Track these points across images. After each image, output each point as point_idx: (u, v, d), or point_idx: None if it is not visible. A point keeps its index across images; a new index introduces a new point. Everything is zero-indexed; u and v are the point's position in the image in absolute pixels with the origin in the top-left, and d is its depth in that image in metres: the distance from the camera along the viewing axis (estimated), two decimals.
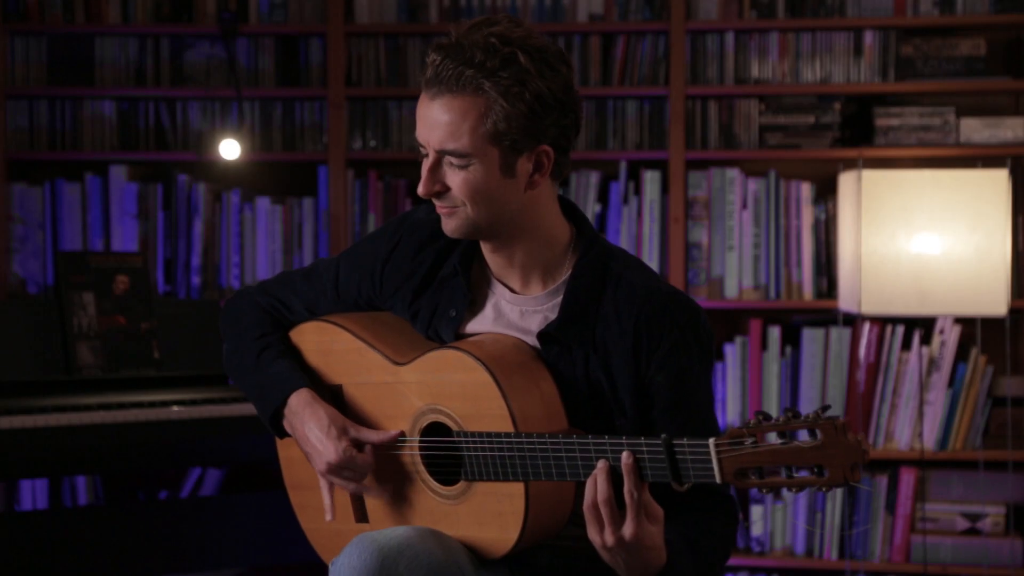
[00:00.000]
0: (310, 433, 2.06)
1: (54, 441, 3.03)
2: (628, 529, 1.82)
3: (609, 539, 1.84)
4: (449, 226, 2.00)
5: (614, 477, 1.84)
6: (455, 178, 1.96)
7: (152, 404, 3.21)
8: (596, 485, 1.84)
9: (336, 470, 2.04)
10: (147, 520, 3.37)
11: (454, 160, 1.95)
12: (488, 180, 1.95)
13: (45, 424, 3.02)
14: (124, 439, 3.12)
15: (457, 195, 1.96)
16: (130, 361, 3.37)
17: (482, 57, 1.91)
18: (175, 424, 3.18)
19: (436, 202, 2.00)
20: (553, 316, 2.02)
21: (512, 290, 2.06)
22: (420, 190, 1.98)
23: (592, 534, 1.86)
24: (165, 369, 3.40)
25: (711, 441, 1.75)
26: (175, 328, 3.46)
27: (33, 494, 4.07)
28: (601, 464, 1.84)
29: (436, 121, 1.94)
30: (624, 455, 1.82)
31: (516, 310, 2.05)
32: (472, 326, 2.07)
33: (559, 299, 2.02)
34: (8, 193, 4.21)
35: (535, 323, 2.03)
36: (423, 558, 1.88)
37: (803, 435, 1.71)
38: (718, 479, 1.75)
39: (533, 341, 2.02)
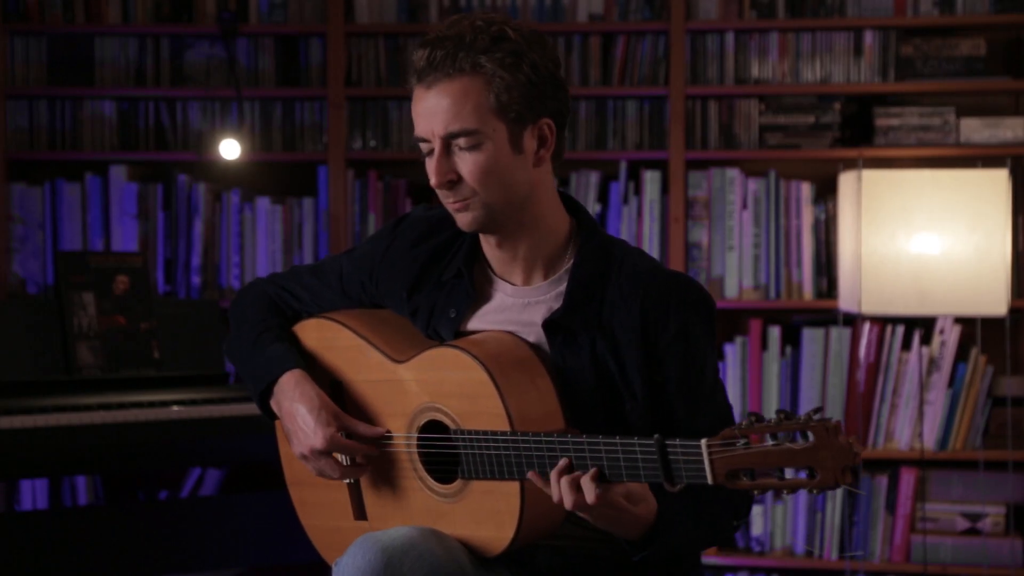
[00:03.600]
0: (297, 414, 2.06)
1: (54, 441, 3.03)
2: (609, 505, 1.83)
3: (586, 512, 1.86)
4: (465, 219, 1.99)
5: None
6: (466, 163, 1.95)
7: (152, 404, 3.21)
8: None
9: (318, 455, 2.04)
10: (147, 520, 3.37)
11: (462, 142, 1.94)
12: (499, 157, 1.95)
13: (45, 424, 3.02)
14: (124, 439, 3.12)
15: (469, 181, 1.95)
16: (130, 361, 3.37)
17: (472, 37, 1.93)
18: (175, 424, 3.18)
19: (448, 195, 1.98)
20: (557, 305, 2.02)
21: (513, 285, 2.06)
22: (433, 181, 1.97)
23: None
24: (165, 369, 3.40)
25: (703, 442, 1.74)
26: (175, 328, 3.46)
27: (33, 494, 4.07)
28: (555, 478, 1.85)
29: (437, 107, 1.94)
30: (562, 461, 1.83)
31: (519, 303, 2.05)
32: (474, 323, 2.07)
33: (562, 288, 2.03)
34: (8, 193, 4.21)
35: (539, 314, 2.03)
36: (427, 558, 1.88)
37: (796, 437, 1.71)
38: (710, 480, 1.75)
39: (537, 332, 2.02)
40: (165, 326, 3.44)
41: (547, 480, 1.86)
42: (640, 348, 1.98)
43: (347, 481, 2.12)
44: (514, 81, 1.93)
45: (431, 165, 1.97)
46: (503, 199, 1.97)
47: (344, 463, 2.07)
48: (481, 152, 1.94)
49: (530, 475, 1.87)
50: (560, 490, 1.84)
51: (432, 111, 1.95)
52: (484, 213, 1.98)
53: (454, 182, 1.96)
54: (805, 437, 1.69)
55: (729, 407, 2.05)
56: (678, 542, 1.92)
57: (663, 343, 1.98)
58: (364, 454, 2.06)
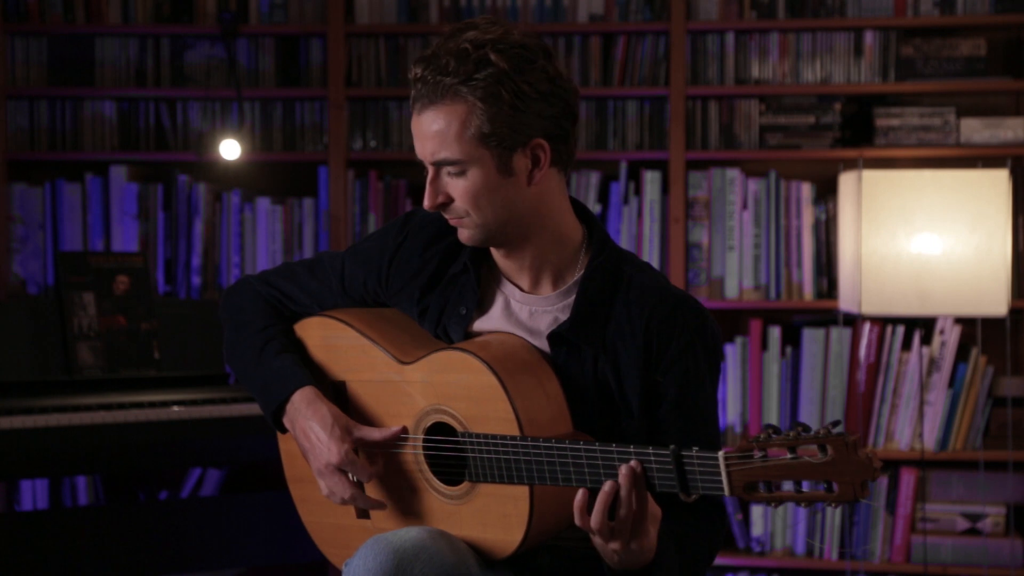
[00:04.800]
0: (311, 431, 2.06)
1: (54, 441, 3.03)
2: (636, 543, 1.83)
3: (615, 546, 1.85)
4: (463, 236, 2.02)
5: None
6: (455, 187, 1.97)
7: (152, 404, 3.21)
8: (603, 513, 1.83)
9: (335, 471, 2.04)
10: (147, 520, 3.37)
11: (451, 169, 1.96)
12: (487, 183, 1.96)
13: (45, 424, 3.02)
14: (124, 439, 3.12)
15: (460, 204, 1.98)
16: (130, 361, 3.37)
17: (455, 64, 1.92)
18: (175, 424, 3.17)
19: (444, 215, 2.02)
20: (563, 317, 2.02)
21: (522, 289, 2.06)
22: (425, 203, 2.00)
23: (596, 543, 1.87)
24: (165, 369, 3.40)
25: (720, 454, 1.75)
26: (175, 328, 3.46)
27: (33, 494, 4.07)
28: (606, 489, 1.83)
29: (426, 133, 1.96)
30: (633, 463, 1.82)
31: (526, 309, 2.05)
32: (481, 324, 2.07)
33: (570, 300, 2.03)
34: (8, 193, 4.21)
35: (545, 323, 2.04)
36: (437, 560, 1.88)
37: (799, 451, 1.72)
38: (727, 492, 1.75)
39: (542, 341, 2.03)
40: (165, 326, 3.44)
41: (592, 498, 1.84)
42: (641, 367, 1.98)
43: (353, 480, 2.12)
44: (496, 111, 1.92)
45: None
46: (497, 219, 1.98)
47: (353, 479, 2.06)
48: (466, 179, 1.96)
49: (580, 492, 1.85)
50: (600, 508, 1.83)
51: (423, 137, 1.97)
52: (478, 231, 2.00)
53: (445, 204, 1.99)
54: (823, 451, 1.69)
55: (720, 440, 2.06)
56: None
57: (664, 363, 1.99)
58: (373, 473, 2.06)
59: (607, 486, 1.82)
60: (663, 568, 1.90)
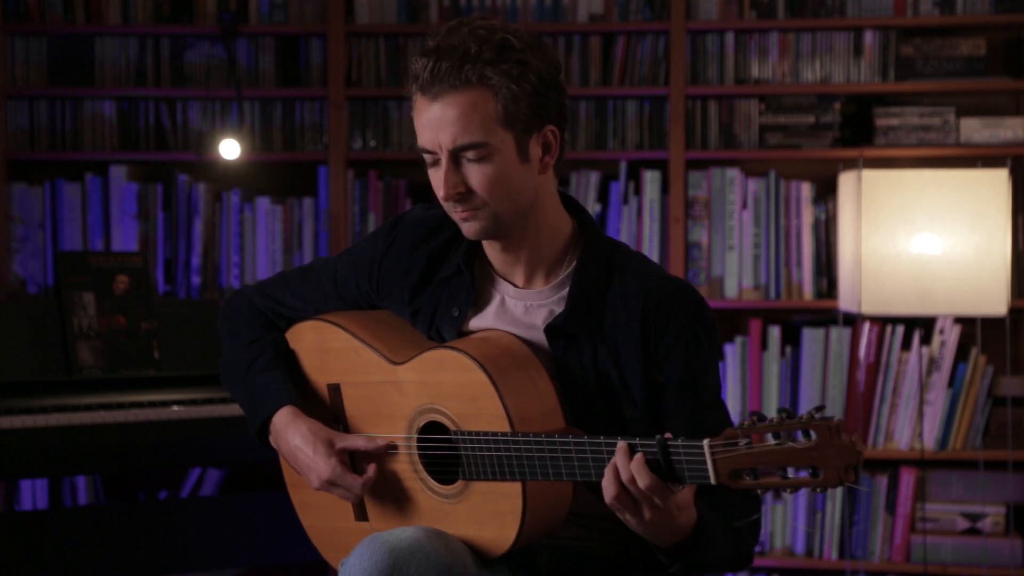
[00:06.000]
0: (298, 451, 2.07)
1: (54, 441, 3.03)
2: (648, 514, 1.81)
3: (649, 515, 1.82)
4: (472, 228, 1.99)
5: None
6: (476, 174, 1.94)
7: (152, 404, 3.21)
8: (615, 486, 1.82)
9: (330, 485, 2.05)
10: (147, 520, 3.37)
11: (471, 154, 1.93)
12: (508, 168, 1.94)
13: (45, 424, 3.02)
14: (124, 439, 3.12)
15: (479, 192, 1.95)
16: (130, 361, 3.37)
17: (477, 48, 1.91)
18: (175, 424, 3.18)
19: (457, 207, 1.97)
20: (559, 310, 2.02)
21: (516, 286, 2.06)
22: (441, 194, 1.95)
23: (625, 519, 1.85)
24: (165, 369, 3.40)
25: (705, 442, 1.75)
26: (175, 328, 3.46)
27: (33, 494, 4.07)
28: (610, 463, 1.82)
29: (444, 120, 1.92)
30: (621, 443, 1.80)
31: (520, 305, 2.05)
32: (476, 323, 2.07)
33: (564, 292, 2.03)
34: (8, 193, 4.21)
35: (540, 318, 2.03)
36: (433, 559, 1.88)
37: (798, 436, 1.71)
38: (712, 480, 1.75)
39: (539, 335, 2.02)
40: (165, 326, 3.44)
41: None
42: (640, 354, 1.98)
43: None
44: (520, 91, 1.92)
45: (438, 177, 1.96)
46: (511, 208, 1.97)
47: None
48: (490, 164, 1.94)
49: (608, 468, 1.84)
50: (619, 478, 1.80)
51: (439, 124, 1.93)
52: (491, 223, 1.97)
53: (463, 194, 1.95)
54: (808, 436, 1.69)
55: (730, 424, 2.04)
56: (711, 556, 1.91)
57: (663, 347, 1.98)
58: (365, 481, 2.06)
59: (610, 465, 1.81)
60: (708, 533, 1.87)
